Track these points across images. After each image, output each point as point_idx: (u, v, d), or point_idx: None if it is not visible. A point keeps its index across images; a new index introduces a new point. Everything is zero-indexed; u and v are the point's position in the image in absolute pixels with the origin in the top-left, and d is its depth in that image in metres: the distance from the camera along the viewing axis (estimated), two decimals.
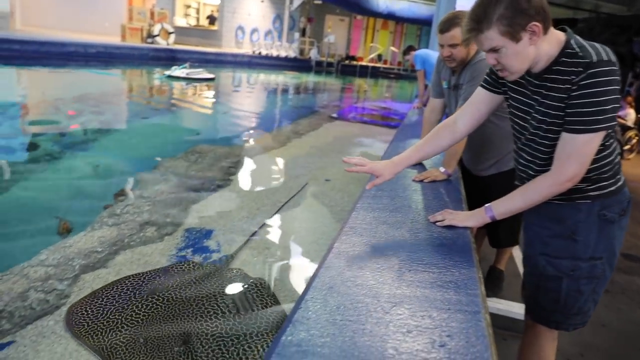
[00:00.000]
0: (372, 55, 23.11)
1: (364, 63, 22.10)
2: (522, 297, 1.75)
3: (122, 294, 2.35)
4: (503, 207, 1.47)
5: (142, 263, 2.74)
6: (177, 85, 11.13)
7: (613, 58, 1.26)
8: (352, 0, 18.26)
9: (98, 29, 17.22)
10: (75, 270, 2.59)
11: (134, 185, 4.09)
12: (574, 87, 1.27)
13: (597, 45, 1.29)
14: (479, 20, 1.29)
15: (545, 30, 1.30)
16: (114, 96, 9.40)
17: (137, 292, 2.37)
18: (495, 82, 1.56)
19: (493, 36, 1.29)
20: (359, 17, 23.04)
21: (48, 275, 2.53)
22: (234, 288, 2.48)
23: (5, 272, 2.53)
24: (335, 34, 22.53)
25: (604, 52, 1.26)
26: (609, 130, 1.32)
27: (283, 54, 19.76)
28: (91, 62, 12.89)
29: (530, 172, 1.50)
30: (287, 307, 2.44)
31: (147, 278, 2.51)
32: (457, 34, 2.12)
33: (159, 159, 4.90)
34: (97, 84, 10.54)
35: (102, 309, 2.23)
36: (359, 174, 2.51)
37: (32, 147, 4.98)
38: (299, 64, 19.77)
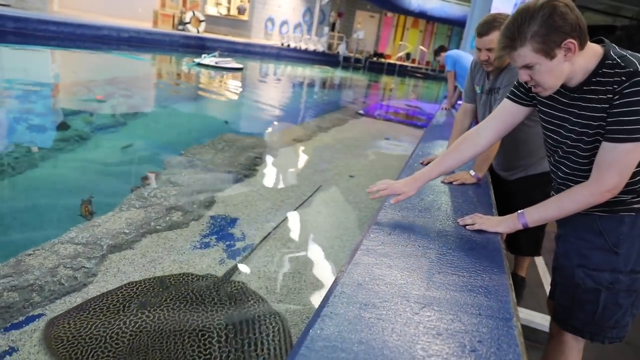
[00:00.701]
0: (400, 54, 22.89)
1: (391, 61, 21.92)
2: (549, 307, 1.72)
3: (111, 306, 2.12)
4: (537, 214, 1.45)
5: (168, 247, 2.79)
6: (205, 73, 11.25)
7: None
8: None
9: (131, 14, 17.47)
10: (103, 249, 2.66)
11: (161, 169, 4.16)
12: (616, 97, 1.25)
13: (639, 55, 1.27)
14: (512, 37, 1.28)
15: (582, 46, 1.27)
16: (143, 81, 9.55)
17: (127, 305, 2.13)
18: (524, 94, 1.54)
19: (527, 53, 1.28)
20: (389, 14, 22.82)
21: (77, 253, 2.60)
22: (233, 307, 2.23)
23: (37, 247, 2.61)
24: (365, 30, 22.39)
25: None
26: None
27: (311, 47, 19.73)
28: (123, 46, 13.11)
29: (571, 184, 1.46)
30: (308, 300, 2.46)
31: (140, 289, 2.27)
32: (495, 37, 2.07)
33: (186, 145, 4.97)
34: (128, 68, 10.72)
35: (86, 322, 2.00)
36: (383, 173, 2.51)
37: (63, 126, 5.10)
38: (326, 59, 19.72)
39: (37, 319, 2.04)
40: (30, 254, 2.52)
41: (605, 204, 1.38)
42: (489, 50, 2.14)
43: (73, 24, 12.51)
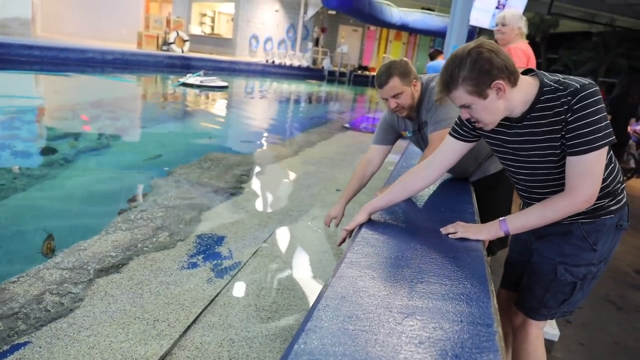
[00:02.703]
0: None
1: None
2: (501, 297, 1.81)
3: None
4: (518, 222, 1.50)
5: (155, 269, 2.77)
6: (191, 92, 11.26)
7: (592, 81, 1.37)
8: (366, 11, 18.36)
9: (115, 36, 17.54)
10: (89, 274, 2.63)
11: (147, 190, 4.14)
12: (568, 114, 1.34)
13: (571, 77, 1.40)
14: (447, 82, 1.40)
15: (513, 84, 1.38)
16: (129, 102, 9.54)
17: None
18: (468, 132, 1.59)
19: (461, 95, 1.39)
20: (372, 27, 23.15)
21: (63, 278, 2.56)
22: None
23: (22, 274, 2.57)
24: (348, 44, 22.65)
25: (582, 79, 1.36)
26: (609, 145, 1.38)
27: (296, 63, 19.91)
28: (108, 69, 13.11)
29: None
30: (297, 316, 2.46)
31: None
32: (396, 83, 2.00)
33: (172, 165, 4.96)
34: (113, 90, 10.71)
35: None
36: (371, 186, 2.54)
37: (48, 151, 5.07)
38: (311, 74, 19.89)
39: (22, 347, 2.01)
40: (15, 282, 2.49)
41: (587, 212, 1.49)
42: (395, 97, 2.04)
43: (57, 47, 12.51)
